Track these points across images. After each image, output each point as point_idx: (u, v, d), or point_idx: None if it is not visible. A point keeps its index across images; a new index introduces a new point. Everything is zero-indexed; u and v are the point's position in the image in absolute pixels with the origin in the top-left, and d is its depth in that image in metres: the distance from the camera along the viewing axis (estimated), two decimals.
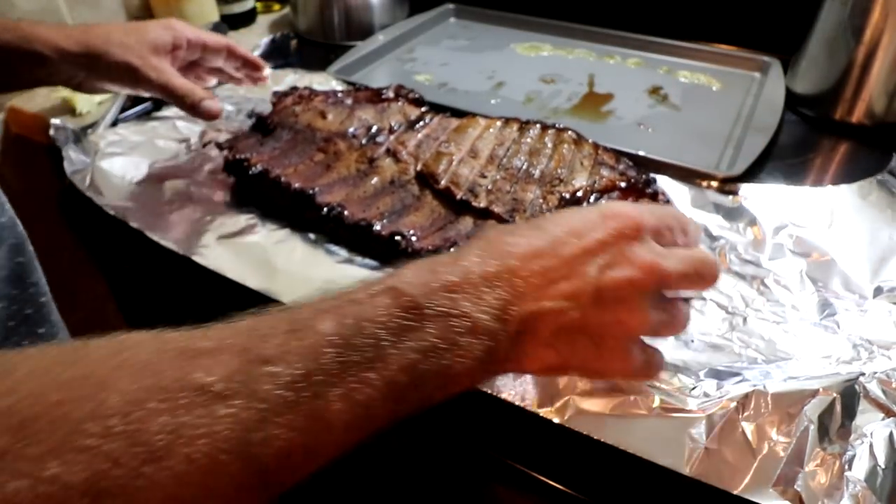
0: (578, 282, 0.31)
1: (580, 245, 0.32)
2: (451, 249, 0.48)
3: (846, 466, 0.35)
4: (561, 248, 0.32)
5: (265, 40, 0.86)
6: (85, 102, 0.72)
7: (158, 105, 0.74)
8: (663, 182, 0.58)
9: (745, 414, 0.37)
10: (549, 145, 0.56)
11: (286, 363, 0.25)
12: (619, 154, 0.57)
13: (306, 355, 0.26)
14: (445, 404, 0.40)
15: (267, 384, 0.25)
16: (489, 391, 0.40)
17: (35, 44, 0.53)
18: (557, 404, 0.39)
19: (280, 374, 0.25)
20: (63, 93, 0.72)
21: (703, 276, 0.34)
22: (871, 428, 0.36)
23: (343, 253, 0.52)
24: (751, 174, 0.59)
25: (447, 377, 0.29)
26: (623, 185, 0.52)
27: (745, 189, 0.57)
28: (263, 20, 1.02)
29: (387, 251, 0.50)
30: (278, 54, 0.86)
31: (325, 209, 0.52)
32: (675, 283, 0.33)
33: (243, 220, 0.56)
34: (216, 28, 0.90)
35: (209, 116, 0.59)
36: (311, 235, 0.54)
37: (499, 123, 0.59)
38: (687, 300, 0.37)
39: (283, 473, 0.25)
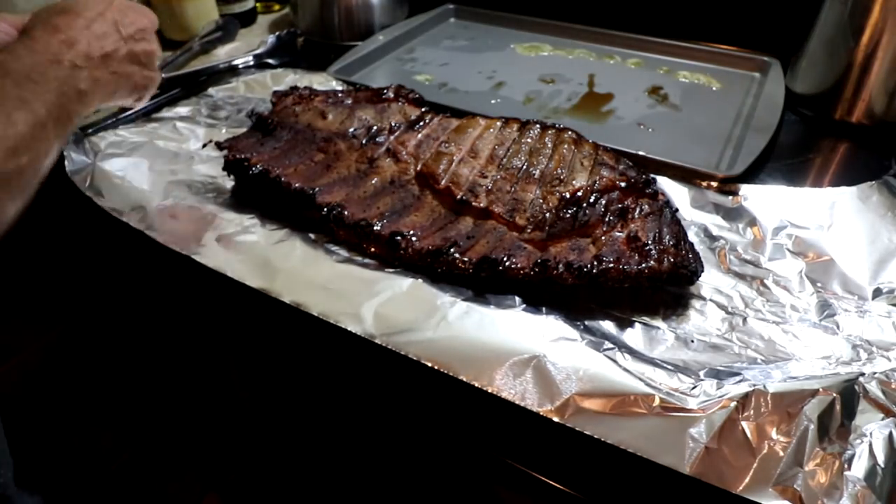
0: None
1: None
2: (452, 250, 0.48)
3: (846, 466, 0.35)
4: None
5: (271, 38, 0.86)
6: None
7: (159, 105, 0.74)
8: (663, 182, 0.58)
9: (745, 413, 0.37)
10: (549, 145, 0.56)
11: None
12: (619, 154, 0.57)
13: None
14: (445, 404, 0.41)
15: None
16: (489, 391, 0.40)
17: None
18: (557, 403, 0.39)
19: None
20: None
21: None
22: (871, 428, 0.36)
23: (343, 253, 0.52)
24: (751, 174, 0.59)
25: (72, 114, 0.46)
26: (623, 184, 0.52)
27: (745, 189, 0.57)
28: (263, 20, 1.02)
29: (387, 251, 0.50)
30: (284, 52, 0.86)
31: (325, 209, 0.52)
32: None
33: (243, 220, 0.56)
34: (226, 25, 0.90)
35: None
36: (311, 235, 0.54)
37: (499, 123, 0.59)
38: None
39: None
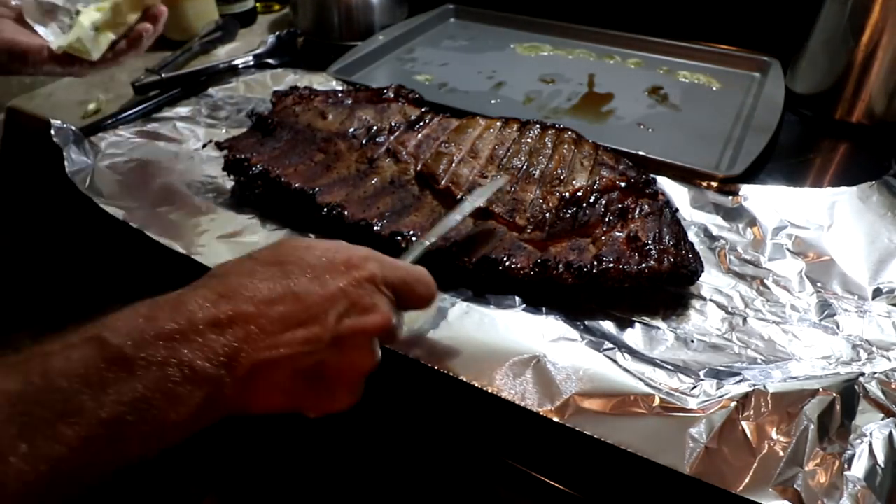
0: (317, 329, 0.31)
1: (321, 293, 0.32)
2: (452, 250, 0.48)
3: (846, 466, 0.35)
4: (302, 294, 0.31)
5: (271, 38, 0.86)
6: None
7: (159, 105, 0.74)
8: (663, 182, 0.58)
9: (745, 414, 0.37)
10: (549, 145, 0.56)
11: None
12: (618, 154, 0.57)
13: None
14: (445, 405, 0.41)
15: None
16: (489, 391, 0.40)
17: None
18: (557, 403, 0.39)
19: None
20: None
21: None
22: (871, 428, 0.36)
23: None
24: (751, 174, 0.59)
25: (162, 426, 0.27)
26: (623, 185, 0.52)
27: (745, 189, 0.57)
28: (263, 20, 1.02)
29: (387, 251, 0.50)
30: (284, 51, 0.86)
31: (325, 209, 0.52)
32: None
33: (243, 220, 0.56)
34: (226, 25, 0.90)
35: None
36: (311, 235, 0.54)
37: (499, 123, 0.59)
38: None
39: None
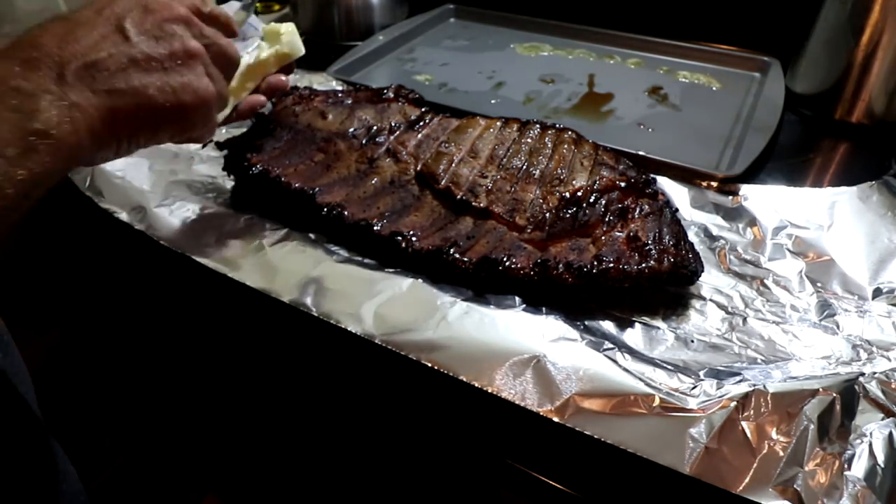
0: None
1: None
2: (452, 250, 0.48)
3: (846, 466, 0.35)
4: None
5: None
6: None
7: None
8: (663, 182, 0.58)
9: (745, 413, 0.37)
10: (549, 145, 0.56)
11: None
12: (618, 154, 0.57)
13: None
14: (445, 405, 0.41)
15: None
16: (489, 391, 0.40)
17: None
18: (557, 403, 0.39)
19: None
20: None
21: None
22: (871, 428, 0.36)
23: (343, 253, 0.52)
24: (751, 174, 0.59)
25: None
26: (623, 185, 0.52)
27: (745, 189, 0.57)
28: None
29: (387, 251, 0.50)
30: None
31: (325, 209, 0.52)
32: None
33: (243, 220, 0.56)
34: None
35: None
36: (311, 235, 0.54)
37: (499, 123, 0.59)
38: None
39: None
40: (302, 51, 0.60)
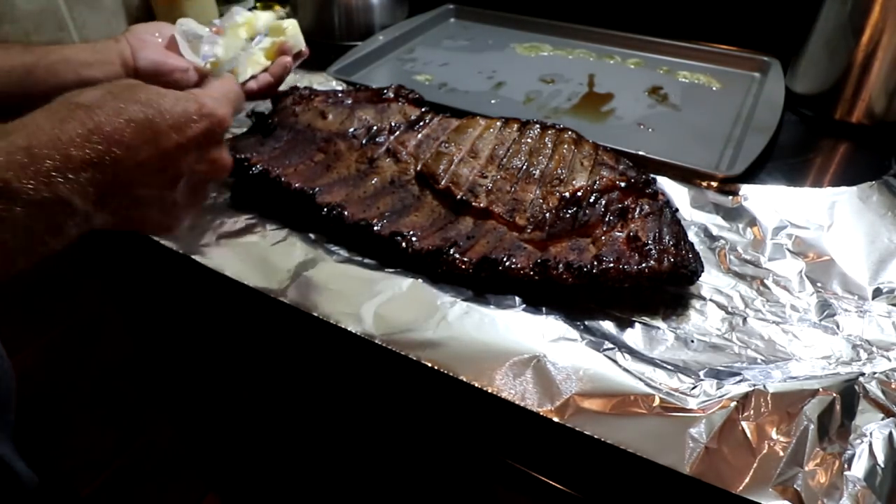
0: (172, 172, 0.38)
1: (178, 140, 0.37)
2: (452, 250, 0.48)
3: (846, 466, 0.35)
4: (163, 143, 0.36)
5: None
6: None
7: None
8: (663, 182, 0.58)
9: (745, 413, 0.37)
10: (549, 145, 0.56)
11: None
12: (618, 154, 0.57)
13: None
14: (445, 404, 0.41)
15: None
16: (489, 391, 0.40)
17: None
18: (557, 403, 0.39)
19: None
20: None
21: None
22: (871, 428, 0.36)
23: (343, 253, 0.52)
24: (751, 174, 0.59)
25: (43, 244, 0.33)
26: (623, 185, 0.52)
27: (745, 189, 0.57)
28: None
29: (387, 251, 0.50)
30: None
31: (325, 209, 0.52)
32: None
33: (243, 220, 0.56)
34: None
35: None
36: (311, 235, 0.54)
37: (499, 123, 0.59)
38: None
39: None
40: (303, 45, 0.66)
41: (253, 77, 0.63)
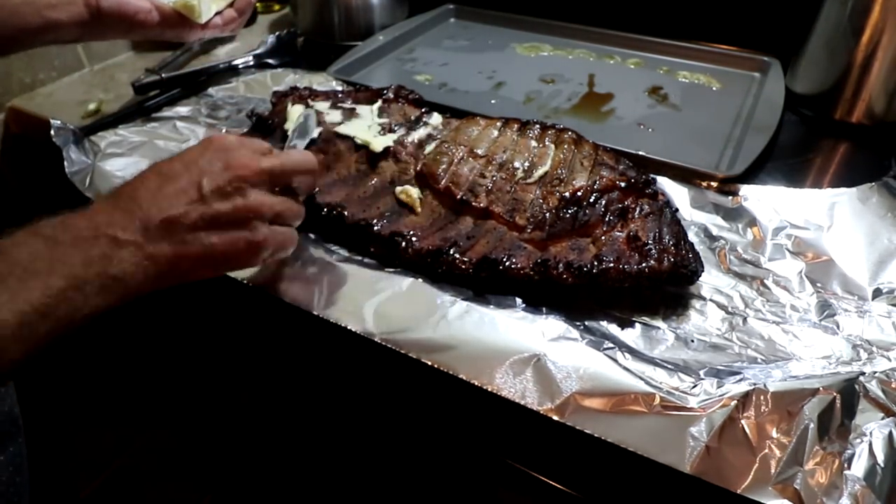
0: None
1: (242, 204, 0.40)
2: (452, 250, 0.48)
3: (845, 465, 0.35)
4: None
5: (271, 38, 0.86)
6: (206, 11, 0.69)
7: (159, 105, 0.74)
8: (663, 182, 0.58)
9: (746, 413, 0.37)
10: (550, 145, 0.56)
11: None
12: (618, 154, 0.57)
13: None
14: (445, 403, 0.41)
15: None
16: (489, 389, 0.40)
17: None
18: (557, 402, 0.39)
19: None
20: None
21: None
22: (871, 427, 0.36)
23: (343, 253, 0.52)
24: (751, 174, 0.59)
25: (91, 308, 0.36)
26: (623, 185, 0.52)
27: (745, 189, 0.57)
28: (263, 20, 1.02)
29: (387, 251, 0.50)
30: (284, 52, 0.86)
31: (325, 209, 0.52)
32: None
33: None
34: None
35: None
36: (311, 235, 0.54)
37: (499, 123, 0.59)
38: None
39: None
40: None
41: (218, 13, 0.65)
